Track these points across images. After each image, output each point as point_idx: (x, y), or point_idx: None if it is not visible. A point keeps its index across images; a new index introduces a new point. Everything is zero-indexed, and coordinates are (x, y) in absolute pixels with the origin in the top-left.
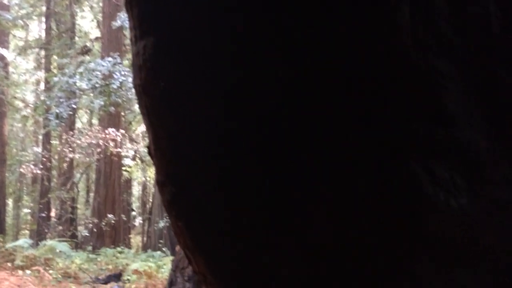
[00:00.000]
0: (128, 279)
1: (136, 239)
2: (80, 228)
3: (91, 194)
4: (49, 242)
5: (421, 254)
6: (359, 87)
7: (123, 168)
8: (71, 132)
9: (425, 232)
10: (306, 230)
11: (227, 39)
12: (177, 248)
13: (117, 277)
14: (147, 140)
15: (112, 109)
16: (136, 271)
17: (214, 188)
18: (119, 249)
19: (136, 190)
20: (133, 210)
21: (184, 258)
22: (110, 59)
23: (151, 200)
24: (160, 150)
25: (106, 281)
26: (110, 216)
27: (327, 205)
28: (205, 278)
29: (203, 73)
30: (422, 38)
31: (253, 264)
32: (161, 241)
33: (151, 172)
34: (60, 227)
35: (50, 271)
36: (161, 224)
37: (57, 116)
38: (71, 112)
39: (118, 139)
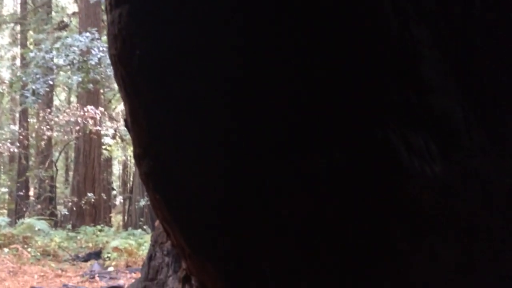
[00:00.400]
0: (108, 257)
1: (116, 218)
2: (59, 207)
3: (70, 173)
4: (27, 220)
5: (398, 223)
6: (337, 53)
7: (103, 146)
8: (49, 110)
9: (401, 200)
10: (283, 203)
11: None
12: (156, 223)
13: (97, 254)
14: None
15: (90, 86)
16: (116, 249)
17: (191, 159)
18: (99, 227)
19: (116, 169)
20: (113, 189)
21: (163, 233)
22: (88, 34)
23: (131, 179)
24: (137, 123)
25: (86, 259)
26: (90, 194)
27: (303, 178)
28: (183, 250)
29: (180, 40)
30: (402, 5)
31: (229, 234)
32: (142, 219)
33: (132, 151)
34: (39, 206)
35: (29, 249)
36: (142, 202)
37: (34, 93)
38: (48, 89)
39: (97, 117)
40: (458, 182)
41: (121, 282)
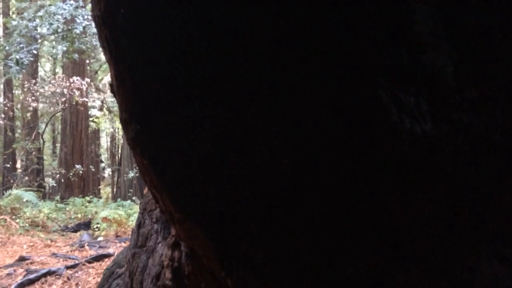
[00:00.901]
0: (97, 227)
1: (105, 190)
2: (47, 179)
3: (58, 145)
4: (15, 191)
5: (387, 180)
6: (326, 10)
7: (90, 118)
8: (34, 81)
9: (390, 157)
10: (270, 160)
11: None
12: (145, 191)
13: (86, 225)
14: None
15: (76, 56)
16: (105, 219)
17: (178, 121)
18: (88, 198)
19: (104, 141)
20: (102, 161)
21: (152, 200)
22: (72, 2)
23: (120, 151)
24: (123, 86)
25: (75, 230)
26: (78, 166)
27: (289, 135)
28: (172, 216)
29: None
30: None
31: (216, 196)
32: (131, 190)
33: (119, 123)
34: (27, 178)
35: (17, 220)
36: (131, 174)
37: (18, 63)
38: (32, 59)
39: (84, 88)
40: (447, 139)
41: (110, 250)
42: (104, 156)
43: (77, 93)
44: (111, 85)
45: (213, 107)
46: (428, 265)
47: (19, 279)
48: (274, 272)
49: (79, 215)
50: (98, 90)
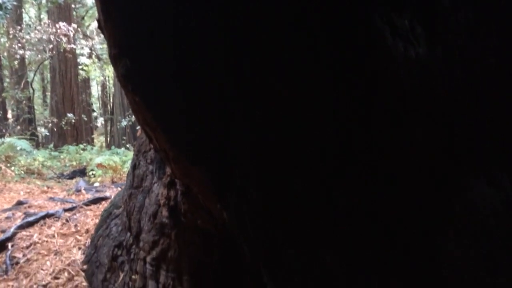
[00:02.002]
0: (93, 174)
1: (99, 140)
2: (39, 129)
3: (48, 94)
4: (8, 139)
5: (378, 106)
6: None
7: (80, 67)
8: (19, 27)
9: (383, 82)
10: (259, 81)
11: None
12: (138, 132)
13: (82, 172)
14: (102, 36)
15: (61, 0)
16: (100, 165)
17: (170, 57)
18: (82, 146)
19: (95, 90)
20: (93, 110)
21: (146, 142)
22: None
23: (111, 100)
24: (111, 20)
25: (71, 177)
26: (69, 115)
27: (278, 59)
28: (167, 155)
29: None
30: None
31: (210, 130)
32: (124, 137)
33: (110, 71)
34: (19, 127)
35: (12, 168)
36: (124, 123)
37: (1, 7)
38: (15, 3)
39: (71, 34)
40: (441, 62)
41: (107, 194)
42: (96, 105)
43: (64, 39)
44: (98, 20)
45: (205, 39)
46: (420, 192)
47: (18, 222)
48: (269, 205)
49: (74, 163)
50: (85, 36)
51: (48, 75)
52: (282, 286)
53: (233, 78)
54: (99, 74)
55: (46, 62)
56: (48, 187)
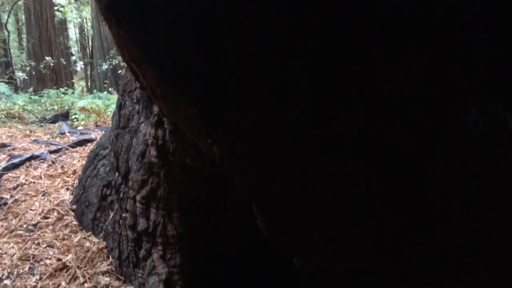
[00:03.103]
0: (76, 118)
1: (79, 84)
2: (17, 73)
3: (24, 36)
4: None
5: (376, 30)
6: None
7: (55, 7)
8: None
9: (380, 6)
10: (258, 23)
11: None
12: (123, 72)
13: (64, 116)
14: None
15: None
16: (83, 109)
17: None
18: (62, 90)
19: (72, 33)
20: (72, 54)
21: (131, 81)
22: None
23: (90, 43)
24: None
25: (53, 121)
26: (48, 58)
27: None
28: (154, 91)
29: None
30: None
31: (200, 63)
32: (106, 81)
33: (87, 12)
34: None
35: None
36: (105, 66)
37: None
38: None
39: None
40: None
41: (92, 136)
42: (74, 49)
43: None
44: None
45: None
46: (411, 118)
47: (3, 164)
48: (260, 137)
49: (56, 107)
50: None
51: (23, 16)
52: (272, 217)
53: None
54: (76, 15)
55: (20, 3)
56: (30, 131)
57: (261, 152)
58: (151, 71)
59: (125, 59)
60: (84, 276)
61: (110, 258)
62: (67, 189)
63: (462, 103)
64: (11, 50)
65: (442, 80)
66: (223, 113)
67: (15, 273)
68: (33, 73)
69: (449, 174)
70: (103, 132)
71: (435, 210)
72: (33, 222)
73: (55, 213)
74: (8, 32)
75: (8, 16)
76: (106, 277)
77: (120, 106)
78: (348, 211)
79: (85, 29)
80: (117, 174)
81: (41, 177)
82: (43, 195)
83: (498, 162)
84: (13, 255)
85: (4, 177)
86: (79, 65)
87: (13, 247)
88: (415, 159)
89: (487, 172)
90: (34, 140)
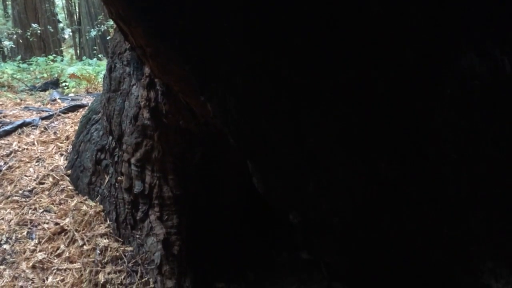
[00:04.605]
0: (66, 85)
1: (68, 52)
2: (4, 42)
3: (8, 3)
4: None
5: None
6: None
7: None
8: None
9: None
10: None
11: None
12: (112, 34)
13: (54, 84)
14: None
15: None
16: (73, 76)
17: None
18: (51, 57)
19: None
20: (59, 21)
21: (121, 43)
22: None
23: (77, 10)
24: None
25: (43, 89)
26: (34, 26)
27: None
28: (144, 51)
29: None
30: None
31: (191, 17)
32: (95, 47)
33: None
34: None
35: None
36: (93, 33)
37: None
38: None
39: None
40: None
41: (84, 102)
42: (61, 16)
43: None
44: None
45: None
46: (407, 68)
47: None
48: (254, 89)
49: (45, 75)
50: None
51: None
52: (267, 173)
53: None
54: None
55: None
56: (21, 99)
57: (254, 106)
58: (139, 29)
59: (113, 17)
60: (82, 239)
61: (108, 220)
62: (61, 154)
63: (458, 47)
64: None
65: (438, 23)
66: (215, 67)
67: (13, 237)
68: (20, 41)
69: (445, 120)
70: (95, 98)
71: (430, 159)
72: (29, 188)
73: (50, 179)
74: None
75: None
76: (105, 239)
77: (110, 69)
78: (342, 162)
79: None
80: (110, 138)
81: (34, 144)
82: (37, 161)
83: (494, 106)
84: (10, 221)
85: None
86: (67, 33)
87: (10, 213)
88: (410, 107)
89: (483, 117)
90: (25, 107)
